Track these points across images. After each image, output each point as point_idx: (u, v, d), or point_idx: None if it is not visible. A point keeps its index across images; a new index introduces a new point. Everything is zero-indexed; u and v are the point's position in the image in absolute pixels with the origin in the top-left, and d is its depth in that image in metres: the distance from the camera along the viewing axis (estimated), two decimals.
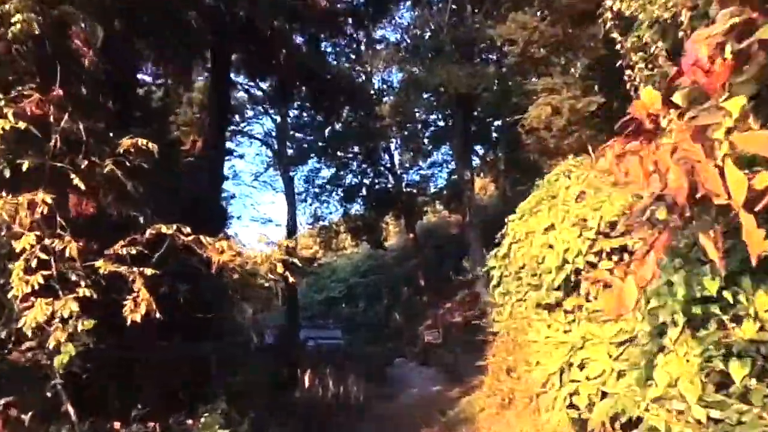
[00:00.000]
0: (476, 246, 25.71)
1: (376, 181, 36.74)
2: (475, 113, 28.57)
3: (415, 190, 36.67)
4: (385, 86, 34.63)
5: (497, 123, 30.63)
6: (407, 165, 30.99)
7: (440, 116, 29.13)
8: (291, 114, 35.16)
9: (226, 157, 32.69)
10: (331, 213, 38.53)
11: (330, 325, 44.59)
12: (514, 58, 26.18)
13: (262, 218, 33.30)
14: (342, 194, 36.37)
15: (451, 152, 32.04)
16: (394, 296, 46.92)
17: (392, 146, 36.02)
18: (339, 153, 36.04)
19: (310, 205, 37.83)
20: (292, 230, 27.54)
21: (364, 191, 35.85)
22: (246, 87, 31.85)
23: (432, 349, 27.41)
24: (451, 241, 49.95)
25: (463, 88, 23.89)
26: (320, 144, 35.05)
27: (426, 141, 31.22)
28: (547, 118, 15.36)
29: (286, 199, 28.33)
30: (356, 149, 36.27)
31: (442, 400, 13.75)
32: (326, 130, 35.19)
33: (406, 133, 29.56)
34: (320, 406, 14.26)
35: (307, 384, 23.85)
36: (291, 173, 30.52)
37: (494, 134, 29.57)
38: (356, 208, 36.86)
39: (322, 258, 66.91)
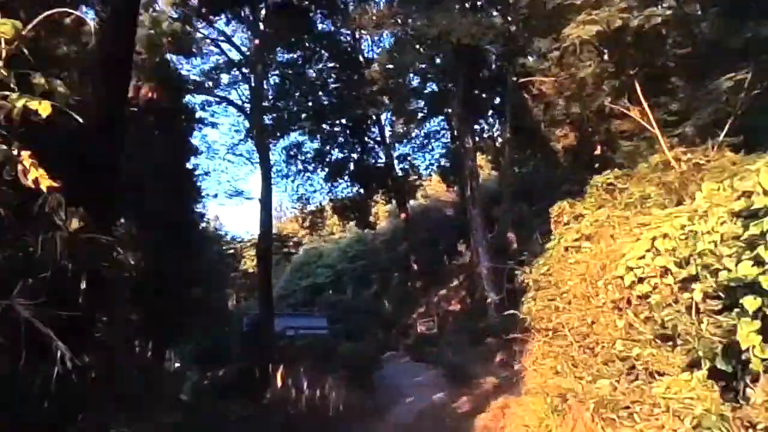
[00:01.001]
0: (478, 224, 21.77)
1: (365, 156, 32.58)
2: (480, 75, 24.50)
3: (407, 165, 32.50)
4: (376, 49, 30.42)
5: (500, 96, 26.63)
6: (399, 135, 26.68)
7: (437, 79, 24.85)
8: (271, 81, 31.09)
9: (197, 125, 28.53)
10: (315, 191, 34.29)
11: (315, 314, 40.90)
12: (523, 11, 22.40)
13: (236, 190, 28.90)
14: (327, 170, 32.15)
15: (448, 121, 27.92)
16: (383, 282, 43.06)
17: (383, 118, 31.81)
18: (324, 126, 31.88)
19: (292, 181, 33.53)
20: (267, 205, 23.43)
21: (351, 167, 31.69)
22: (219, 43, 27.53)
23: (427, 341, 23.54)
24: (445, 224, 46.11)
25: (466, 38, 19.84)
26: (303, 114, 30.93)
27: (421, 104, 26.95)
28: (590, 39, 11.36)
29: (261, 172, 24.19)
30: (343, 121, 32.16)
31: (450, 418, 9.84)
32: (308, 101, 31.01)
33: (398, 95, 25.29)
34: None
35: (279, 383, 19.89)
36: (269, 143, 26.29)
37: (498, 101, 25.48)
38: (343, 186, 32.71)
39: (306, 241, 62.83)
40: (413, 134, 26.95)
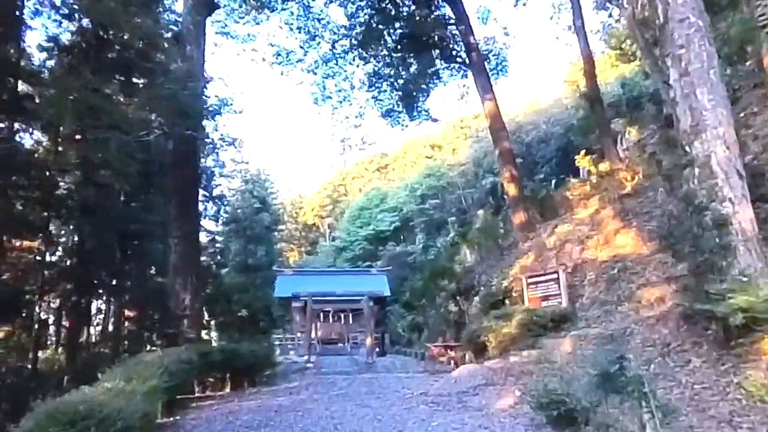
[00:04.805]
0: (697, 30, 7.43)
1: (418, 12, 18.62)
2: None
3: None
4: None
5: None
6: None
7: None
8: None
9: None
10: (353, 87, 20.96)
11: (373, 271, 28.34)
12: None
13: None
14: (360, 40, 18.68)
15: None
16: (464, 226, 29.44)
17: None
18: None
19: (314, 71, 20.39)
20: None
21: (397, 26, 18.00)
22: None
23: (552, 324, 9.88)
24: (549, 141, 31.21)
25: None
26: None
27: None
28: None
29: None
30: None
31: None
32: None
33: None
34: None
35: None
36: None
37: None
38: (382, 66, 19.12)
39: (369, 185, 49.82)
40: None
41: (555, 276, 12.03)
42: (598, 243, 13.00)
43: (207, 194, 30.82)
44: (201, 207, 31.77)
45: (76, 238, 13.64)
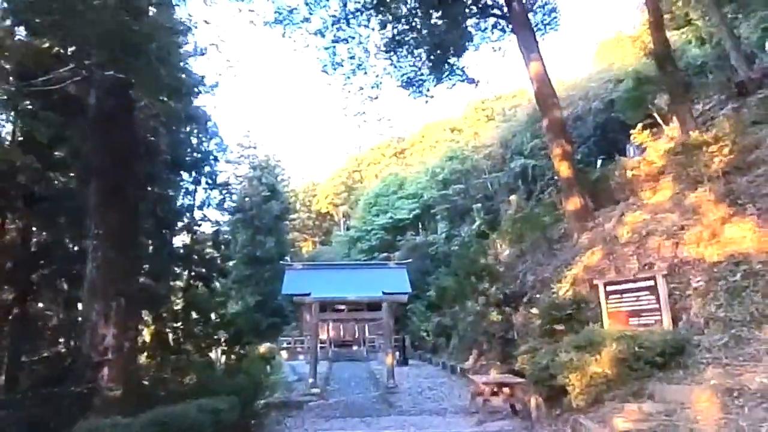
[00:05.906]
0: None
1: None
2: None
3: None
4: None
5: None
6: None
7: None
8: None
9: None
10: (369, 54, 17.49)
11: (391, 264, 24.87)
12: None
13: None
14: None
15: None
16: (491, 213, 25.92)
17: None
18: None
19: (321, 34, 16.98)
20: None
21: None
22: None
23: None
24: (593, 115, 27.43)
25: None
26: None
27: None
28: None
29: None
30: None
31: None
32: None
33: None
34: None
35: None
36: None
37: None
38: (403, 27, 15.61)
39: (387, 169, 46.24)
40: None
41: (650, 283, 8.55)
42: (700, 236, 9.44)
43: (210, 181, 27.73)
44: (203, 194, 28.64)
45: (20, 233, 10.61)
